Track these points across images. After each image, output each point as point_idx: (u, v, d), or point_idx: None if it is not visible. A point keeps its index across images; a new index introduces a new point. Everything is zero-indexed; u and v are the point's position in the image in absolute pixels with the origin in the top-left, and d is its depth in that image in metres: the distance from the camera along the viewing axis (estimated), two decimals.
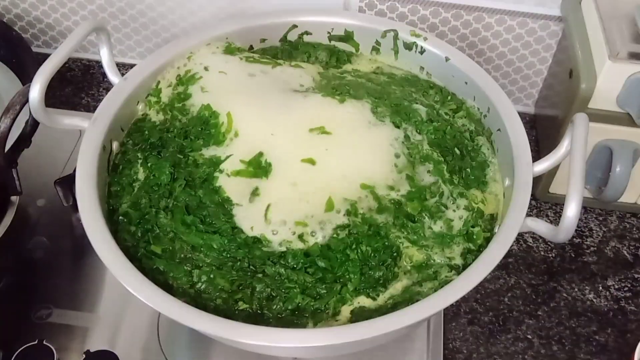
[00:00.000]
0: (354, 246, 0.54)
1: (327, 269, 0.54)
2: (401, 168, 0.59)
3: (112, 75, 0.64)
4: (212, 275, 0.54)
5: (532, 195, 0.55)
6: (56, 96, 0.89)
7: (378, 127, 0.61)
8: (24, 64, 0.75)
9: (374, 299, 0.53)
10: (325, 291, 0.53)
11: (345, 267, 0.54)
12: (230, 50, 0.68)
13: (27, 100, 0.58)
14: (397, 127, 0.62)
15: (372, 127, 0.61)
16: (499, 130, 0.62)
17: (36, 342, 0.62)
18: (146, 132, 0.63)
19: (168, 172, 0.59)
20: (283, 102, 0.62)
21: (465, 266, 0.54)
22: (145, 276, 0.51)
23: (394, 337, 0.60)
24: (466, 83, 0.66)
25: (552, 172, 0.75)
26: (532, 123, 0.87)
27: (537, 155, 0.73)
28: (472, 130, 0.65)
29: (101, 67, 0.66)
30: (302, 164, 0.58)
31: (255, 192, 0.57)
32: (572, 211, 0.50)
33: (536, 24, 0.80)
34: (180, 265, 0.54)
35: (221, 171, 0.58)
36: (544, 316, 0.70)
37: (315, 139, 0.59)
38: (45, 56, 0.59)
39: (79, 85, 0.91)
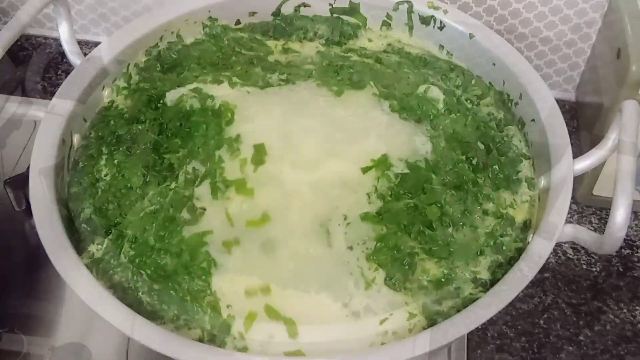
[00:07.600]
0: None
1: None
2: (416, 168, 0.59)
3: (73, 56, 0.64)
4: None
5: (572, 198, 0.55)
6: (6, 80, 0.89)
7: (386, 125, 0.61)
8: None
9: None
10: None
11: None
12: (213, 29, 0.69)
13: None
14: (408, 120, 0.62)
15: (379, 125, 0.61)
16: (532, 120, 0.62)
17: None
18: (112, 123, 0.63)
19: (140, 173, 0.59)
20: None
21: (493, 282, 0.54)
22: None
23: None
24: (494, 64, 0.66)
25: (596, 171, 0.75)
26: (572, 112, 0.88)
27: (578, 150, 0.74)
28: (499, 119, 0.65)
29: (60, 45, 0.66)
30: (300, 167, 0.59)
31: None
32: (620, 217, 0.50)
33: None
34: None
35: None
36: (587, 342, 0.70)
37: (314, 140, 0.61)
38: None
39: (33, 67, 0.91)
